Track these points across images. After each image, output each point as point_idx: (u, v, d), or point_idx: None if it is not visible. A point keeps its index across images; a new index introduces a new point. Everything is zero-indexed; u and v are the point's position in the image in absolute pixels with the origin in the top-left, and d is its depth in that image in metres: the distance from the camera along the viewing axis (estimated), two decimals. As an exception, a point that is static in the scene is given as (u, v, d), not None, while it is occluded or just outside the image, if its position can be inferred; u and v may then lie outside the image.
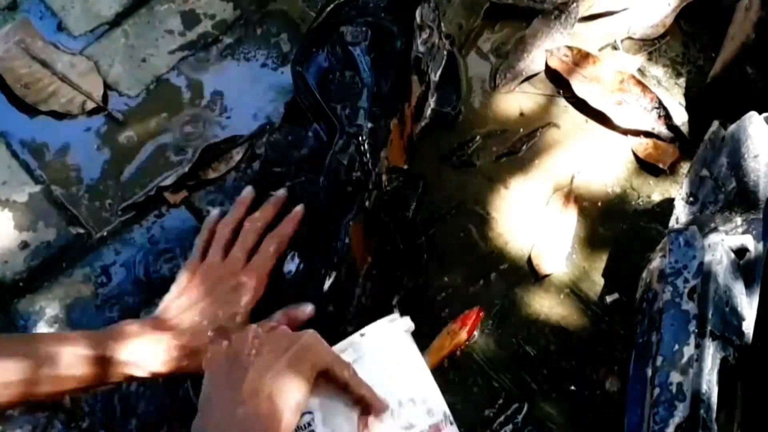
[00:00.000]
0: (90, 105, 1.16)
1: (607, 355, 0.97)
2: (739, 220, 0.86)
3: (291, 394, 0.68)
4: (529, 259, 1.03)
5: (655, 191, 1.06)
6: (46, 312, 1.03)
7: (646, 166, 1.07)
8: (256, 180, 1.02)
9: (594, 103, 1.10)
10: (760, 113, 0.88)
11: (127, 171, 1.12)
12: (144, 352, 0.82)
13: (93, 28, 1.22)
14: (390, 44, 1.01)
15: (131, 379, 0.84)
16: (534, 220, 1.05)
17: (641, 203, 1.06)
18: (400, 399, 0.75)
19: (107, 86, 1.17)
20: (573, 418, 0.94)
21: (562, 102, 1.12)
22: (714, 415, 0.76)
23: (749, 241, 0.83)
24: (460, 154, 1.10)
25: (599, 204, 1.06)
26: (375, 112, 0.97)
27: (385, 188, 0.97)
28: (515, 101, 1.13)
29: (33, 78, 1.17)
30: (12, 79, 1.16)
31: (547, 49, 1.14)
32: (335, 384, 0.71)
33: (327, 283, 0.90)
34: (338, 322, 0.93)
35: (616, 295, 1.00)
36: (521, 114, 1.12)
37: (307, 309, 0.87)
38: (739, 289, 0.82)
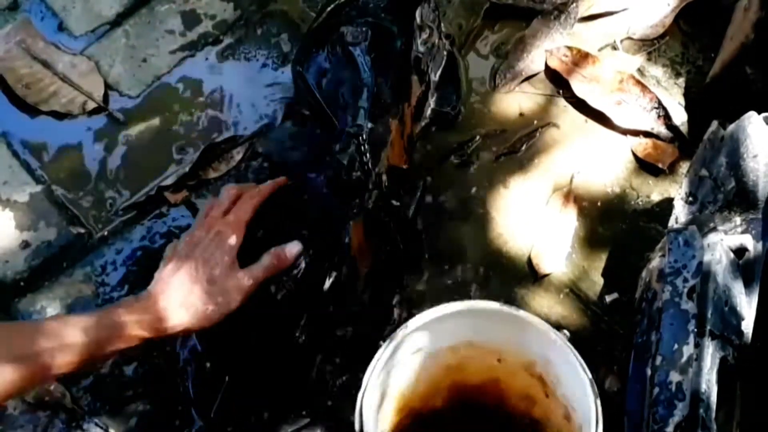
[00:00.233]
0: (91, 105, 1.16)
1: (606, 355, 0.97)
2: (738, 219, 0.86)
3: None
4: (529, 259, 1.03)
5: (655, 191, 1.06)
6: (47, 311, 1.03)
7: (645, 166, 1.08)
8: (257, 180, 1.02)
9: (593, 103, 1.10)
10: (759, 113, 0.88)
11: (127, 171, 1.12)
12: (132, 322, 0.83)
13: (94, 29, 1.22)
14: (390, 44, 1.02)
15: (120, 352, 0.84)
16: (534, 220, 1.05)
17: (641, 203, 1.06)
18: None
19: (108, 86, 1.17)
20: (573, 417, 0.94)
21: (562, 102, 1.13)
22: (713, 414, 0.76)
23: (748, 241, 0.84)
24: (460, 154, 1.10)
25: (599, 204, 1.06)
26: (375, 112, 0.97)
27: (385, 188, 0.97)
28: (515, 101, 1.13)
29: (34, 78, 1.17)
30: (13, 80, 1.16)
31: (546, 49, 1.14)
32: None
33: (327, 283, 0.90)
34: (338, 322, 0.93)
35: (615, 295, 1.00)
36: (521, 114, 1.13)
37: (294, 249, 0.89)
38: (738, 289, 0.82)
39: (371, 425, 0.78)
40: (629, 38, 1.16)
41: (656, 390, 0.78)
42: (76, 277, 1.06)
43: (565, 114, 1.12)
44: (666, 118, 1.09)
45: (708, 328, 0.78)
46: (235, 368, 0.93)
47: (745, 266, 0.83)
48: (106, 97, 1.17)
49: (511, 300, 1.01)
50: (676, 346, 0.79)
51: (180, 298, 0.84)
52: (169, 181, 1.10)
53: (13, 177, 1.12)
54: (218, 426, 0.93)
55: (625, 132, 1.10)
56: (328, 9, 1.06)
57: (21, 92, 1.16)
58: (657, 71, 1.14)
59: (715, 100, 1.08)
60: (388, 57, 1.01)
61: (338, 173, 0.94)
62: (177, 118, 1.15)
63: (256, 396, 0.94)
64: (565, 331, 0.77)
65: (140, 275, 1.04)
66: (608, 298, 1.00)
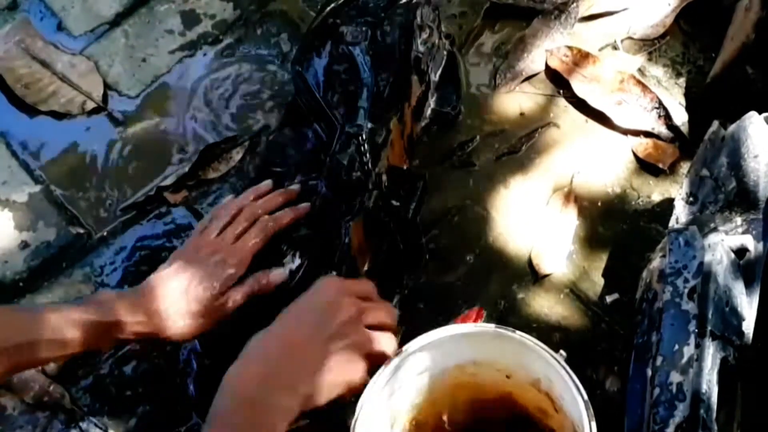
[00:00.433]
0: (90, 105, 1.16)
1: (607, 355, 0.97)
2: (739, 220, 0.86)
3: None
4: (529, 259, 1.03)
5: (655, 191, 1.06)
6: (46, 312, 1.03)
7: (646, 166, 1.07)
8: (256, 180, 1.02)
9: (594, 103, 1.10)
10: (760, 113, 0.88)
11: (126, 171, 1.12)
12: (125, 314, 0.83)
13: (93, 28, 1.22)
14: (390, 44, 1.01)
15: (120, 341, 0.85)
16: (534, 220, 1.05)
17: (641, 203, 1.06)
18: None
19: (107, 86, 1.17)
20: (573, 418, 0.94)
21: (562, 102, 1.12)
22: (714, 414, 0.75)
23: (749, 241, 0.83)
24: (460, 154, 1.10)
25: (599, 204, 1.06)
26: (375, 112, 0.97)
27: (385, 188, 0.97)
28: (515, 101, 1.13)
29: (33, 78, 1.17)
30: (12, 79, 1.16)
31: (547, 49, 1.14)
32: None
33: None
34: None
35: (616, 295, 1.00)
36: (521, 114, 1.12)
37: (278, 277, 0.89)
38: (739, 289, 0.82)
39: None
40: (630, 38, 1.15)
41: (657, 391, 0.78)
42: (75, 277, 1.06)
43: (566, 114, 1.12)
44: (667, 118, 1.09)
45: (709, 328, 0.78)
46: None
47: (745, 267, 0.83)
48: (105, 97, 1.17)
49: (511, 300, 1.01)
50: (676, 346, 0.79)
51: (162, 305, 0.85)
52: (168, 182, 1.09)
53: (12, 177, 1.12)
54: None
55: (625, 132, 1.10)
56: (328, 9, 1.06)
57: (20, 92, 1.16)
58: (658, 71, 1.13)
59: (715, 100, 1.08)
60: (388, 57, 1.01)
61: (338, 173, 0.93)
62: (176, 118, 1.15)
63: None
64: (562, 352, 0.77)
65: (139, 276, 1.04)
66: (609, 299, 1.00)
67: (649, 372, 0.82)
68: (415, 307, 0.99)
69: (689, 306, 0.80)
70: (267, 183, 0.99)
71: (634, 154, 1.08)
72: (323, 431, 0.91)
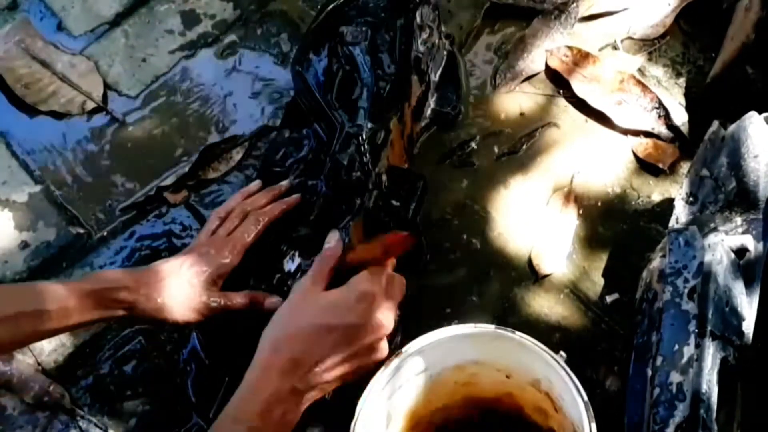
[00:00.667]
0: (90, 105, 1.16)
1: (607, 355, 0.97)
2: (739, 220, 0.86)
3: None
4: (529, 259, 1.03)
5: (655, 191, 1.06)
6: (46, 312, 1.03)
7: (646, 166, 1.07)
8: (256, 180, 1.02)
9: (594, 103, 1.10)
10: (760, 113, 0.88)
11: (126, 171, 1.12)
12: (119, 282, 0.86)
13: (93, 28, 1.22)
14: (390, 44, 1.01)
15: (116, 311, 0.86)
16: (534, 220, 1.05)
17: (641, 203, 1.06)
18: None
19: (107, 86, 1.17)
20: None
21: (562, 102, 1.12)
22: (714, 414, 0.75)
23: (749, 241, 0.83)
24: (460, 154, 1.10)
25: (599, 204, 1.06)
26: (375, 112, 0.97)
27: (385, 188, 0.97)
28: (515, 101, 1.13)
29: (33, 78, 1.17)
30: (12, 79, 1.16)
31: (547, 49, 1.14)
32: None
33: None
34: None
35: (616, 295, 1.00)
36: (521, 114, 1.12)
37: (273, 304, 0.89)
38: (739, 289, 0.82)
39: None
40: (630, 38, 1.15)
41: (657, 391, 0.78)
42: (75, 277, 1.05)
43: (566, 114, 1.12)
44: (666, 118, 1.09)
45: (709, 328, 0.78)
46: (235, 368, 0.93)
47: (745, 267, 0.83)
48: (105, 97, 1.17)
49: (511, 300, 1.01)
50: (676, 346, 0.79)
51: (155, 279, 0.87)
52: (168, 182, 1.09)
53: (12, 177, 1.12)
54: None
55: (625, 132, 1.10)
56: (328, 9, 1.06)
57: (20, 92, 1.16)
58: (657, 71, 1.13)
59: (715, 100, 1.08)
60: (388, 57, 1.01)
61: (338, 173, 0.93)
62: (176, 118, 1.15)
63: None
64: (562, 353, 0.78)
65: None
66: (609, 299, 1.00)
67: (649, 372, 0.82)
68: (415, 307, 0.99)
69: (689, 306, 0.80)
70: (256, 183, 1.01)
71: (634, 154, 1.08)
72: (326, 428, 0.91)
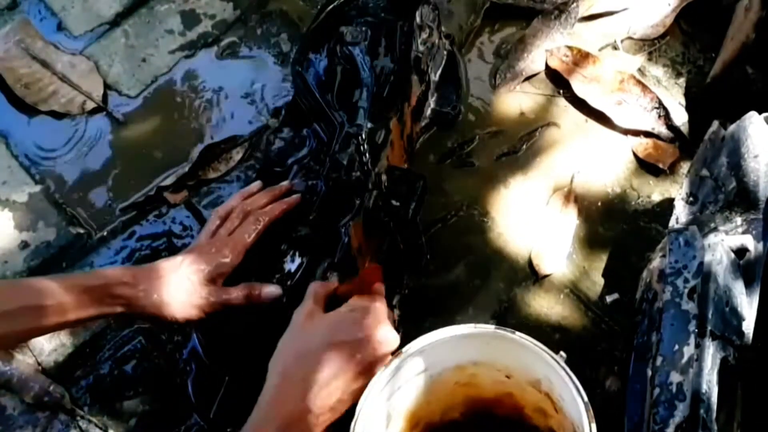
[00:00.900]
0: (90, 105, 1.16)
1: (607, 355, 0.97)
2: (739, 220, 0.86)
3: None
4: (530, 260, 1.03)
5: (655, 191, 1.06)
6: (46, 312, 1.03)
7: (646, 166, 1.07)
8: (256, 180, 1.02)
9: (594, 102, 1.10)
10: (760, 113, 0.88)
11: (126, 171, 1.12)
12: (119, 278, 0.86)
13: (93, 28, 1.22)
14: (390, 44, 1.01)
15: (117, 314, 0.87)
16: (534, 220, 1.05)
17: (641, 203, 1.06)
18: None
19: (107, 86, 1.17)
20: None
21: (562, 102, 1.12)
22: (714, 414, 0.75)
23: (749, 241, 0.83)
24: (460, 154, 1.10)
25: (599, 204, 1.06)
26: (375, 112, 0.97)
27: (385, 188, 0.97)
28: (515, 101, 1.13)
29: (33, 78, 1.17)
30: (12, 79, 1.16)
31: (547, 49, 1.14)
32: None
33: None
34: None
35: (616, 295, 1.00)
36: (521, 114, 1.12)
37: (271, 293, 0.89)
38: (739, 289, 0.82)
39: None
40: (630, 38, 1.16)
41: (657, 391, 0.78)
42: (75, 277, 1.06)
43: (566, 114, 1.12)
44: (666, 118, 1.09)
45: (709, 328, 0.78)
46: (235, 368, 0.93)
47: (745, 267, 0.83)
48: (105, 97, 1.17)
49: (511, 300, 1.01)
50: (676, 346, 0.79)
51: (154, 275, 0.87)
52: (168, 182, 1.09)
53: (12, 177, 1.12)
54: (218, 426, 0.93)
55: (625, 132, 1.10)
56: (328, 9, 1.06)
57: (20, 92, 1.16)
58: (657, 71, 1.13)
59: (715, 100, 1.08)
60: (388, 57, 1.01)
61: (338, 173, 0.93)
62: (176, 118, 1.15)
63: (257, 396, 0.94)
64: (562, 353, 0.78)
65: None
66: (609, 299, 1.00)
67: (649, 372, 0.82)
68: (415, 307, 0.99)
69: (689, 306, 0.80)
70: (256, 184, 1.01)
71: (634, 154, 1.08)
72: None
